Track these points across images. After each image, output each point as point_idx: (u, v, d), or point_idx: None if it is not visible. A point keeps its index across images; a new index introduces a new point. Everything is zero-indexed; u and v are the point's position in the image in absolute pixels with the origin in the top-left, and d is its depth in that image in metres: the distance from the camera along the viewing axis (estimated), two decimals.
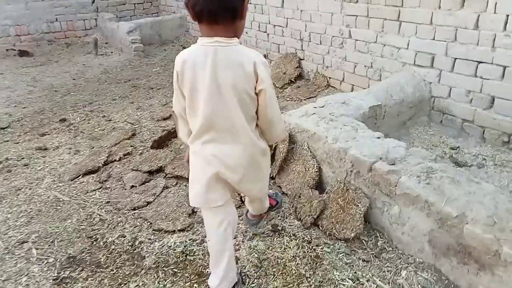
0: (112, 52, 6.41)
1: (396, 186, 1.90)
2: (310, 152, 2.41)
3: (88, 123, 3.72)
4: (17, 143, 3.34)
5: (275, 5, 4.54)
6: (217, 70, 1.35)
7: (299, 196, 2.35)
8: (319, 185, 2.39)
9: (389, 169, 1.94)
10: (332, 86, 4.12)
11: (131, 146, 3.15)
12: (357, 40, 3.64)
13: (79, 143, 3.32)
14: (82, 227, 2.27)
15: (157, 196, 2.50)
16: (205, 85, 1.36)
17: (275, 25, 4.66)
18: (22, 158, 3.07)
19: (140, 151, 3.09)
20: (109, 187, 2.66)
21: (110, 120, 3.76)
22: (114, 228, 2.25)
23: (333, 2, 3.75)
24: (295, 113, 2.64)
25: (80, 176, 2.79)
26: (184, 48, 6.69)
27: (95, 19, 7.32)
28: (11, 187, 2.68)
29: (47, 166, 2.96)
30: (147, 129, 3.50)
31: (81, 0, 7.12)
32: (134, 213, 2.37)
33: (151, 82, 4.85)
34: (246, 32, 5.22)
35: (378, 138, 2.26)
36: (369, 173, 2.03)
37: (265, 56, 4.87)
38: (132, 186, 2.61)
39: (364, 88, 3.62)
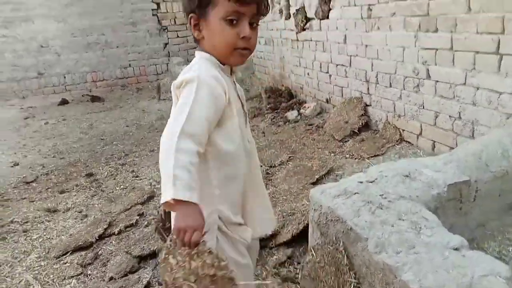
0: None
1: None
2: (347, 258, 1.56)
3: (114, 179, 3.33)
4: (33, 201, 3.05)
5: (337, 40, 3.79)
6: None
7: None
8: None
9: None
10: (406, 141, 3.14)
11: (139, 214, 2.61)
12: (437, 81, 2.68)
13: (92, 205, 2.90)
14: None
15: None
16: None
17: (337, 65, 3.89)
18: (26, 222, 2.72)
19: (147, 222, 2.53)
20: (89, 275, 2.11)
21: (137, 177, 3.33)
22: None
23: (404, 33, 2.87)
24: (331, 189, 1.82)
25: (68, 253, 2.31)
26: None
27: (167, 63, 7.35)
28: None
29: (44, 235, 2.56)
30: None
31: (153, 46, 7.23)
32: None
33: None
34: (308, 73, 4.52)
35: (456, 250, 1.33)
36: None
37: (327, 100, 4.11)
38: (111, 278, 2.01)
39: (450, 148, 2.62)
